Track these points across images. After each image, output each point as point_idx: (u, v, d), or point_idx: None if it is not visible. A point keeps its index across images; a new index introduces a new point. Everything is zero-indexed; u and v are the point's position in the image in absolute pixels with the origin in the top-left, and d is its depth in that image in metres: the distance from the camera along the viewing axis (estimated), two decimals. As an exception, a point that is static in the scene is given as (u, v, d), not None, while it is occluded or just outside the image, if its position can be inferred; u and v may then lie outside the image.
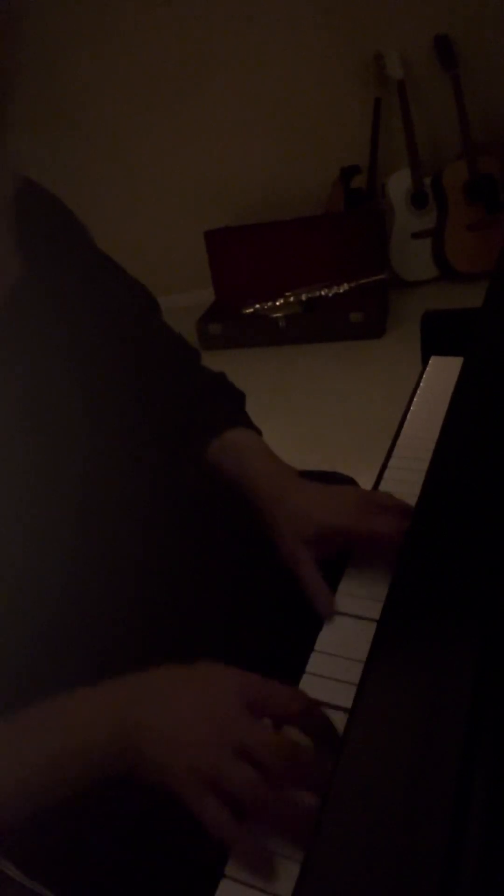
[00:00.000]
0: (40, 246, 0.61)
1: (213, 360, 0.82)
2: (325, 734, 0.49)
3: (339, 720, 0.50)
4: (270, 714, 0.48)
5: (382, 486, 0.76)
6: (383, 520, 0.63)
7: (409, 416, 0.90)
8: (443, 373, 0.96)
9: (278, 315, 2.80)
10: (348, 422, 2.22)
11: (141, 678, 0.52)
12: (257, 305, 2.85)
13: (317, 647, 0.58)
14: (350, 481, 0.85)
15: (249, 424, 0.79)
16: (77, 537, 0.59)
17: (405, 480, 0.76)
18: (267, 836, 0.44)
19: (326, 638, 0.59)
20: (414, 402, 0.93)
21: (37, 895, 0.57)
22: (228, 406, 0.80)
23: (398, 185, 2.87)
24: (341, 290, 2.81)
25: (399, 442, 0.85)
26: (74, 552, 0.58)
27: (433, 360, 1.01)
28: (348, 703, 0.50)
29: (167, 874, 0.54)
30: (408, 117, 2.78)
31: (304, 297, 2.83)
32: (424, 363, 1.01)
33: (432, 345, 1.02)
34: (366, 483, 0.76)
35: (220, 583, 0.72)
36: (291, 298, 2.84)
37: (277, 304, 2.83)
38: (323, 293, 2.83)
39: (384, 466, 0.80)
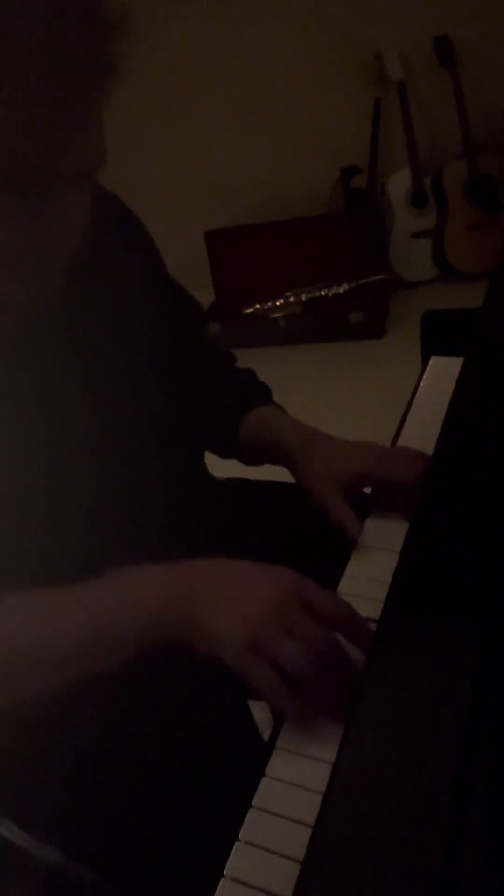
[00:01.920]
0: (107, 241, 0.64)
1: (213, 360, 0.83)
2: (362, 636, 0.54)
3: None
4: (319, 613, 0.52)
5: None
6: (401, 466, 0.71)
7: (409, 416, 0.90)
8: (443, 373, 0.96)
9: (278, 315, 2.80)
10: (348, 422, 2.22)
11: (201, 561, 0.56)
12: (257, 305, 2.85)
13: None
14: None
15: (276, 405, 0.86)
16: (96, 513, 0.61)
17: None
18: (311, 707, 0.50)
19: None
20: (414, 402, 0.92)
21: (46, 859, 0.58)
22: (258, 390, 0.87)
23: (398, 185, 2.87)
24: (341, 290, 2.81)
25: (399, 442, 0.85)
26: (93, 527, 0.60)
27: (433, 360, 1.01)
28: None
29: (176, 838, 0.55)
30: (408, 117, 2.78)
31: (304, 297, 2.83)
32: (424, 363, 1.01)
33: (432, 345, 1.02)
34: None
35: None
36: (291, 298, 2.83)
37: (277, 304, 2.83)
38: (323, 293, 2.83)
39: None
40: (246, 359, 0.90)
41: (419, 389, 0.95)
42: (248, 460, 0.87)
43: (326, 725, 0.50)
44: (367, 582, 0.64)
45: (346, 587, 0.64)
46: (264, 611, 0.51)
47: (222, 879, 0.43)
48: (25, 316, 0.49)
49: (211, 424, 0.84)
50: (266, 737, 0.52)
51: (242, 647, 0.50)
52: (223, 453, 0.87)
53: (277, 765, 0.49)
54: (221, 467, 0.88)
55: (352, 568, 0.67)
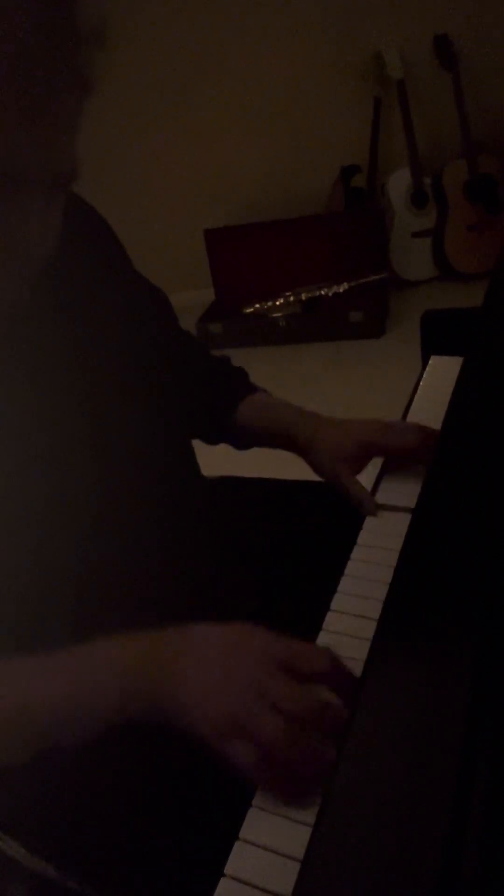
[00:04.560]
0: (75, 243, 0.64)
1: (213, 360, 0.83)
2: (350, 689, 0.51)
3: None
4: (298, 671, 0.50)
5: (382, 486, 0.77)
6: (405, 435, 0.77)
7: (408, 416, 0.90)
8: (443, 373, 0.96)
9: (278, 315, 2.80)
10: (348, 421, 2.22)
11: (177, 631, 0.54)
12: (257, 305, 2.85)
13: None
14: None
15: (262, 390, 0.89)
16: (95, 516, 0.61)
17: (405, 481, 0.76)
18: (290, 779, 0.46)
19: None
20: (414, 402, 0.93)
21: (41, 875, 0.58)
22: (243, 376, 0.89)
23: (398, 184, 2.87)
24: (341, 290, 2.81)
25: (399, 442, 0.85)
26: (92, 532, 0.60)
27: (433, 360, 1.01)
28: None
29: (176, 837, 0.55)
30: (408, 117, 2.78)
31: (304, 297, 2.83)
32: (424, 363, 1.01)
33: (432, 345, 1.02)
34: (365, 483, 0.77)
35: (235, 558, 0.77)
36: (291, 298, 2.83)
37: (277, 303, 2.83)
38: (323, 293, 2.83)
39: (383, 467, 0.80)
40: (246, 358, 0.90)
41: (419, 389, 0.95)
42: (242, 445, 0.88)
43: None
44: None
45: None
46: (238, 685, 0.49)
47: (222, 879, 0.43)
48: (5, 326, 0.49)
49: (201, 411, 0.85)
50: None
51: (220, 728, 0.48)
52: (212, 440, 0.88)
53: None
54: (212, 466, 0.89)
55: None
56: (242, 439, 0.87)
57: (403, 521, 0.69)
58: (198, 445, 0.84)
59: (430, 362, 1.00)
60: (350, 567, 0.67)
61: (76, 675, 0.52)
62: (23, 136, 0.41)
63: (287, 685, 0.48)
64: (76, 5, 0.42)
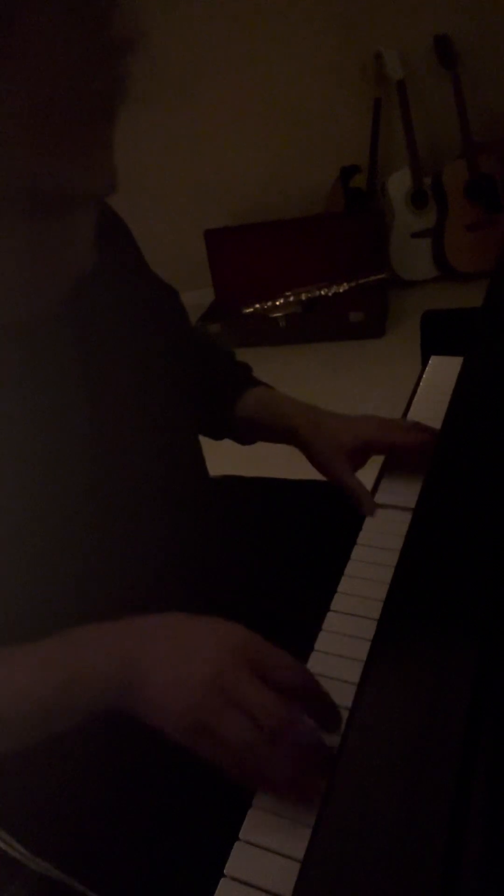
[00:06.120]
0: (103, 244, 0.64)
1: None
2: (327, 714, 0.49)
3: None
4: (269, 678, 0.48)
5: (382, 486, 0.77)
6: (405, 433, 0.77)
7: (408, 416, 0.90)
8: (443, 373, 0.96)
9: (278, 315, 2.80)
10: (348, 422, 2.22)
11: (150, 619, 0.53)
12: (257, 305, 2.85)
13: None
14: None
15: (265, 385, 0.89)
16: (93, 503, 0.60)
17: (405, 481, 0.76)
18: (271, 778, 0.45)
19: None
20: (414, 402, 0.93)
21: (45, 876, 0.57)
22: (246, 370, 0.90)
23: (398, 185, 2.87)
24: (341, 290, 2.81)
25: (399, 442, 0.85)
26: (89, 520, 0.60)
27: (433, 360, 1.01)
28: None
29: (170, 856, 0.54)
30: (408, 117, 2.78)
31: (304, 297, 2.83)
32: (424, 363, 1.01)
33: (432, 344, 1.02)
34: (365, 483, 0.77)
35: (235, 551, 0.77)
36: (291, 298, 2.83)
37: (277, 303, 2.83)
38: (323, 293, 2.83)
39: (384, 467, 0.80)
40: (246, 359, 0.90)
41: (419, 389, 0.95)
42: (245, 440, 0.88)
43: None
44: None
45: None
46: (205, 680, 0.47)
47: (222, 879, 0.43)
48: (25, 329, 0.49)
49: (206, 407, 0.85)
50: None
51: (184, 724, 0.47)
52: (217, 435, 0.88)
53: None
54: (213, 465, 0.89)
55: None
56: (244, 434, 0.87)
57: (403, 521, 0.69)
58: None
59: (430, 362, 1.00)
60: (350, 567, 0.67)
61: (64, 660, 0.51)
62: (71, 155, 0.40)
63: (252, 686, 0.47)
64: (114, 15, 0.40)
